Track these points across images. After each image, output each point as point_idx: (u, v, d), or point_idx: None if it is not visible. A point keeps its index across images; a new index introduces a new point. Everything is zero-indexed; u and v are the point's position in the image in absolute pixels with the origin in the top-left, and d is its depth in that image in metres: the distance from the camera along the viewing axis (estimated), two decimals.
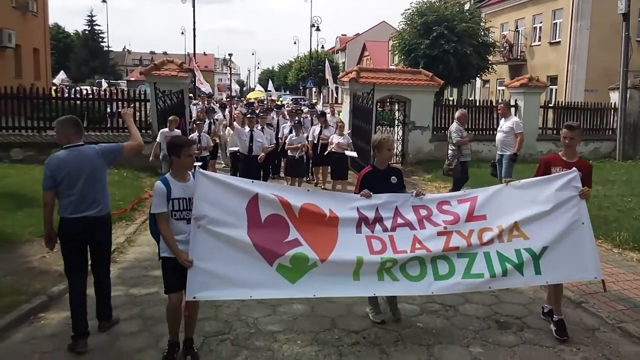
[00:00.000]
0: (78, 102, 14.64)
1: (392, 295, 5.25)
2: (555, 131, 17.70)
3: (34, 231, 7.77)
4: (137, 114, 14.50)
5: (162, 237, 4.30)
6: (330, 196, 5.15)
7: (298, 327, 5.28)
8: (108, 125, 14.53)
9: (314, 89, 58.59)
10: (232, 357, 4.67)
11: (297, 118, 13.24)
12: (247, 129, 10.27)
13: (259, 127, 11.09)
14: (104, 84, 33.59)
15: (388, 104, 17.55)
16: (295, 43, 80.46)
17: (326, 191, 6.75)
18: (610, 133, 18.01)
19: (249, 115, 10.96)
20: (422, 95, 15.82)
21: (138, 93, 14.64)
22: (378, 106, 15.41)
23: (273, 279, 4.41)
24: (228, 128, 11.73)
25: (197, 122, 11.53)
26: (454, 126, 10.32)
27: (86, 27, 66.05)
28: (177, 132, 10.53)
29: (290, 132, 11.87)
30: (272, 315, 5.54)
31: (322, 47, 60.13)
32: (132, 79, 37.34)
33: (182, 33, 57.02)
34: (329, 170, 12.08)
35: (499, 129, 10.48)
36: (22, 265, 6.67)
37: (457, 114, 10.60)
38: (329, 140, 11.48)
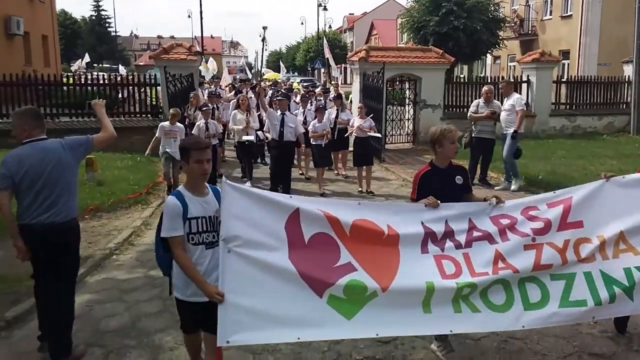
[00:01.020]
0: (89, 87, 14.70)
1: (471, 332, 4.21)
2: (568, 106, 17.53)
3: None
4: (148, 99, 14.59)
5: (180, 268, 3.44)
6: (386, 209, 4.17)
7: None
8: (120, 111, 14.60)
9: (322, 70, 58.26)
10: None
11: (320, 99, 12.31)
12: (278, 112, 9.51)
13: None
14: (122, 70, 33.46)
15: (398, 82, 17.44)
16: (302, 24, 79.87)
17: (380, 203, 5.43)
18: (624, 107, 17.79)
19: (279, 98, 10.21)
20: (433, 73, 15.69)
21: (148, 77, 14.66)
22: (387, 85, 15.30)
23: (324, 315, 3.48)
24: (234, 113, 10.78)
25: (204, 109, 10.48)
26: (475, 101, 10.92)
27: (93, 13, 66.11)
28: (180, 126, 9.75)
29: (305, 118, 11.32)
30: None
31: (330, 26, 59.69)
32: (141, 63, 37.17)
33: (189, 16, 56.83)
34: (349, 156, 11.45)
35: (502, 107, 10.36)
36: None
37: (482, 89, 10.88)
38: (350, 124, 10.66)
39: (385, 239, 3.77)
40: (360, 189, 10.37)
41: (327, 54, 23.22)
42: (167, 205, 3.45)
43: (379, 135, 10.99)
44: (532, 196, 4.32)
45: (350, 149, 10.98)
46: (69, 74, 22.21)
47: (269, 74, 37.49)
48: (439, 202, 3.97)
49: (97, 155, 10.83)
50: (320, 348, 4.54)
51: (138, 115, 14.23)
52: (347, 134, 10.75)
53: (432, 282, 3.65)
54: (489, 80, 17.31)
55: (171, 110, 10.01)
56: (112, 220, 8.28)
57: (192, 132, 10.07)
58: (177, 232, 3.39)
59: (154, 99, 15.00)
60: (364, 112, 10.57)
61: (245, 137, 10.29)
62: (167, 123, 9.75)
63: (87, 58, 31.05)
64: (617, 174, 4.30)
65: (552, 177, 10.57)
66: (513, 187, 10.09)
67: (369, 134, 10.33)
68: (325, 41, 26.96)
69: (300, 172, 12.02)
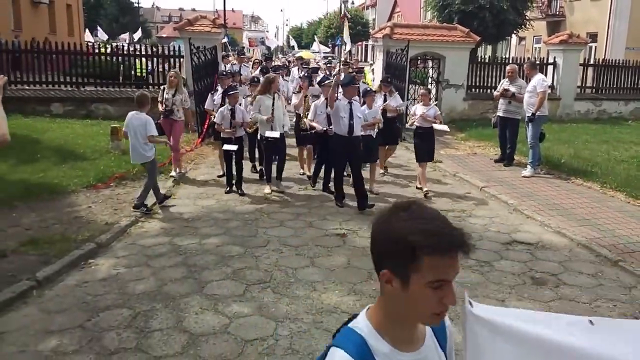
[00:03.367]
0: (114, 58, 14.86)
1: None
2: (594, 90, 17.22)
3: (79, 182, 8.09)
4: (135, 70, 14.74)
5: None
6: None
7: (335, 277, 5.45)
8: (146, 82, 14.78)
9: (343, 47, 57.71)
10: (274, 303, 4.86)
11: (364, 84, 10.19)
12: (344, 101, 7.77)
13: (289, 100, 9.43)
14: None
15: (420, 61, 17.24)
16: None
17: None
18: None
19: (353, 85, 8.09)
20: (457, 52, 15.47)
21: (173, 49, 14.72)
22: (410, 64, 15.15)
23: None
24: (260, 98, 8.29)
25: (231, 93, 8.43)
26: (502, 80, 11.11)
27: None
28: (144, 115, 7.20)
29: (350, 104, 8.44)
30: (310, 267, 5.71)
31: (352, 2, 58.97)
32: (164, 35, 37.25)
33: None
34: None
35: (526, 89, 10.16)
36: (69, 215, 6.98)
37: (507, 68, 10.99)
38: (411, 112, 8.99)
39: None
40: (424, 188, 8.66)
41: (345, 23, 22.50)
42: None
43: (444, 128, 9.12)
44: None
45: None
46: (98, 43, 22.34)
47: (302, 53, 33.05)
48: None
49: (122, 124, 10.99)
50: (341, 318, 4.63)
51: (161, 87, 14.31)
52: (409, 124, 9.01)
53: None
54: (513, 61, 17.05)
55: (138, 94, 7.49)
56: (136, 188, 8.39)
57: (215, 120, 8.59)
58: None
59: (142, 71, 14.97)
60: (428, 99, 8.94)
61: (269, 134, 8.24)
62: (135, 112, 7.22)
63: (139, 33, 31.10)
64: None
65: (575, 161, 10.48)
66: (526, 173, 9.88)
67: (434, 125, 8.70)
68: (343, 7, 25.68)
69: (302, 171, 9.82)
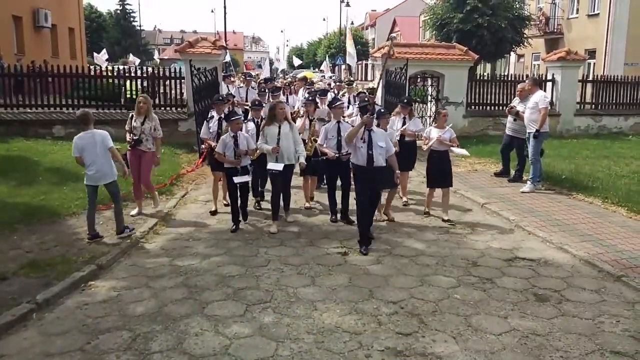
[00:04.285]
0: (116, 80, 14.96)
1: None
2: (593, 106, 17.29)
3: (80, 204, 8.09)
4: (172, 92, 14.79)
5: None
6: None
7: (337, 297, 5.41)
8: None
9: (343, 66, 58.13)
10: (274, 323, 4.83)
11: (377, 105, 9.63)
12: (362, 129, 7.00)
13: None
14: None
15: (419, 80, 17.37)
16: (324, 20, 79.80)
17: None
18: None
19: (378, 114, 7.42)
20: (456, 70, 15.60)
21: (174, 71, 14.85)
22: (410, 82, 15.26)
23: None
24: (268, 129, 7.67)
25: (232, 119, 7.58)
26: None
27: (118, 7, 66.90)
28: (99, 130, 7.11)
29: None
30: (311, 286, 5.69)
31: (352, 23, 59.60)
32: (165, 57, 37.59)
33: (212, 11, 57.28)
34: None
35: (527, 105, 10.21)
36: (70, 237, 6.98)
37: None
38: (426, 136, 8.52)
39: None
40: (426, 209, 8.54)
41: (350, 46, 22.57)
42: None
43: (464, 152, 8.87)
44: None
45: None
46: (95, 66, 22.50)
47: (305, 73, 31.55)
48: None
49: (123, 146, 11.03)
50: (342, 338, 4.60)
51: (162, 108, 14.36)
52: (425, 149, 8.48)
53: None
54: (512, 78, 17.16)
55: (79, 113, 7.28)
56: (136, 208, 8.42)
57: (217, 149, 7.66)
58: None
59: (131, 93, 14.89)
60: (444, 121, 8.44)
61: (271, 166, 7.65)
62: (82, 134, 6.95)
63: (156, 55, 30.79)
64: None
65: (576, 177, 10.47)
66: (525, 189, 9.86)
67: (452, 149, 8.35)
68: (348, 30, 26.28)
69: (307, 204, 8.94)
